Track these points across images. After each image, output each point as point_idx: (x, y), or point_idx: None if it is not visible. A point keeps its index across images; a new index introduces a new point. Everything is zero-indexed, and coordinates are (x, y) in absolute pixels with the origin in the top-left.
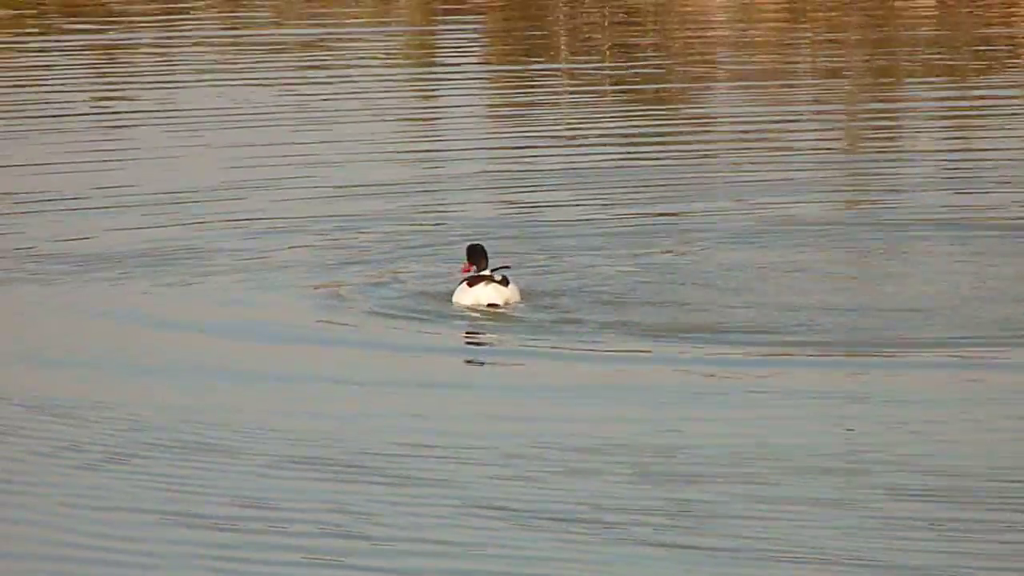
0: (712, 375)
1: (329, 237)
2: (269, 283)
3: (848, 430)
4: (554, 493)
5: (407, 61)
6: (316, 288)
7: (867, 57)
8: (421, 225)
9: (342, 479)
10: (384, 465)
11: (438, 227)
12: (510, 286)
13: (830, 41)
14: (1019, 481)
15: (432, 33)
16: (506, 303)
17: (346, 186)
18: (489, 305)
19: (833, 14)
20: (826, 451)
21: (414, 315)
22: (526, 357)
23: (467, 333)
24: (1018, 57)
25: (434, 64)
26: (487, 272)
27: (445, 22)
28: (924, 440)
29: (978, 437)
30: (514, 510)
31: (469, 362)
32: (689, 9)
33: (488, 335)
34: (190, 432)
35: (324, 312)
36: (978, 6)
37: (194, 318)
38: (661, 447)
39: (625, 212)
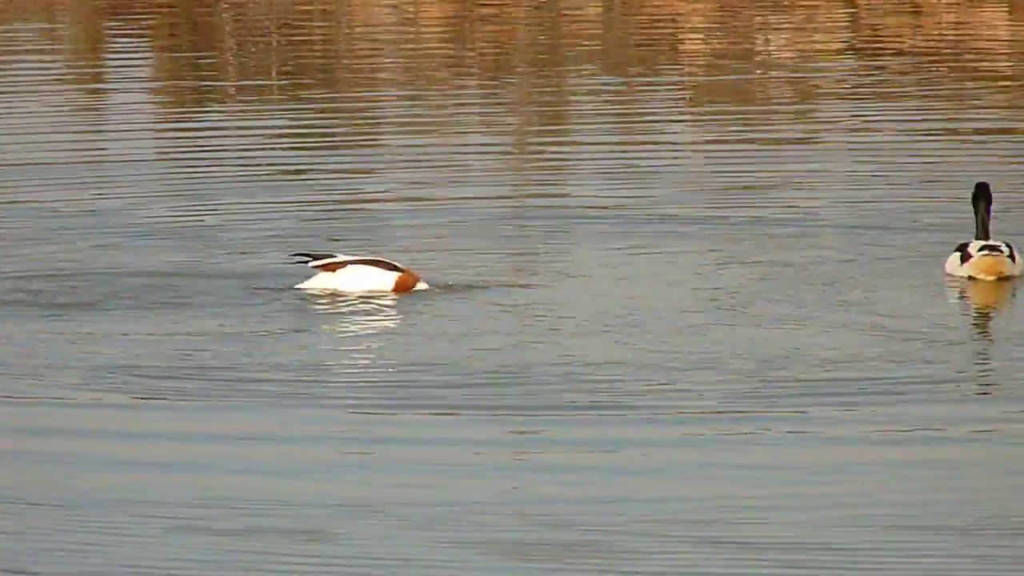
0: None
1: None
2: None
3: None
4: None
5: (72, 84)
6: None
7: (534, 61)
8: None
9: None
10: None
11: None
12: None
13: (497, 51)
14: None
15: (98, 54)
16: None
17: None
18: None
19: (500, 21)
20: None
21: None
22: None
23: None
24: (681, 61)
25: (101, 85)
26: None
27: (111, 44)
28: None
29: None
30: None
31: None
32: (357, 22)
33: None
34: None
35: None
36: (644, 9)
37: None
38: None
39: (298, 231)
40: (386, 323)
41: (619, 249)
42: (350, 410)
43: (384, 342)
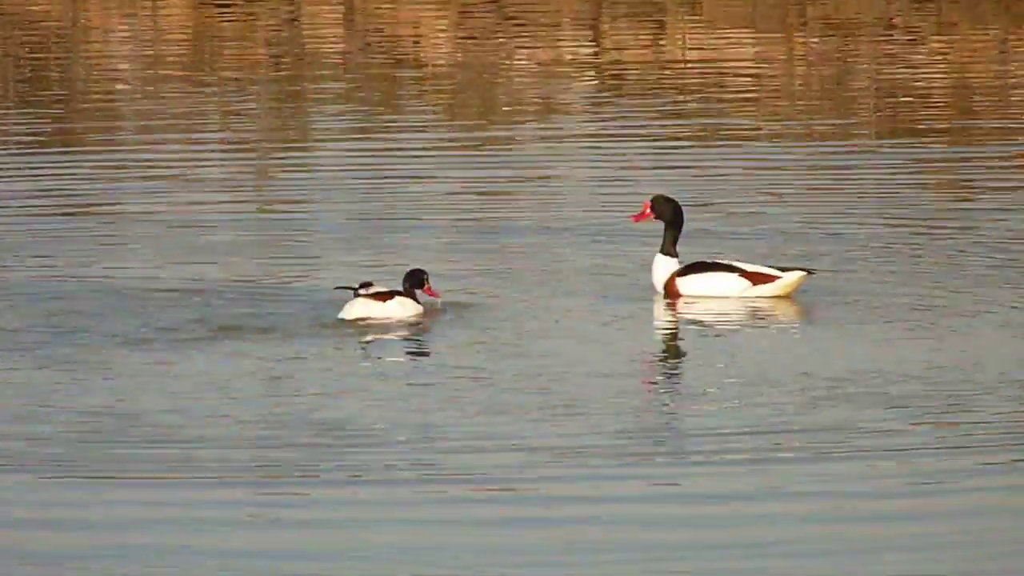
0: None
1: None
2: None
3: None
4: None
5: None
6: None
7: (276, 88)
8: None
9: None
10: None
11: None
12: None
13: (236, 77)
14: None
15: None
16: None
17: None
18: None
19: (242, 45)
20: None
21: None
22: None
23: None
24: (423, 74)
25: None
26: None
27: None
28: None
29: None
30: None
31: None
32: (94, 49)
33: None
34: None
35: None
36: (385, 22)
37: None
38: None
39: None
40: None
41: (359, 261)
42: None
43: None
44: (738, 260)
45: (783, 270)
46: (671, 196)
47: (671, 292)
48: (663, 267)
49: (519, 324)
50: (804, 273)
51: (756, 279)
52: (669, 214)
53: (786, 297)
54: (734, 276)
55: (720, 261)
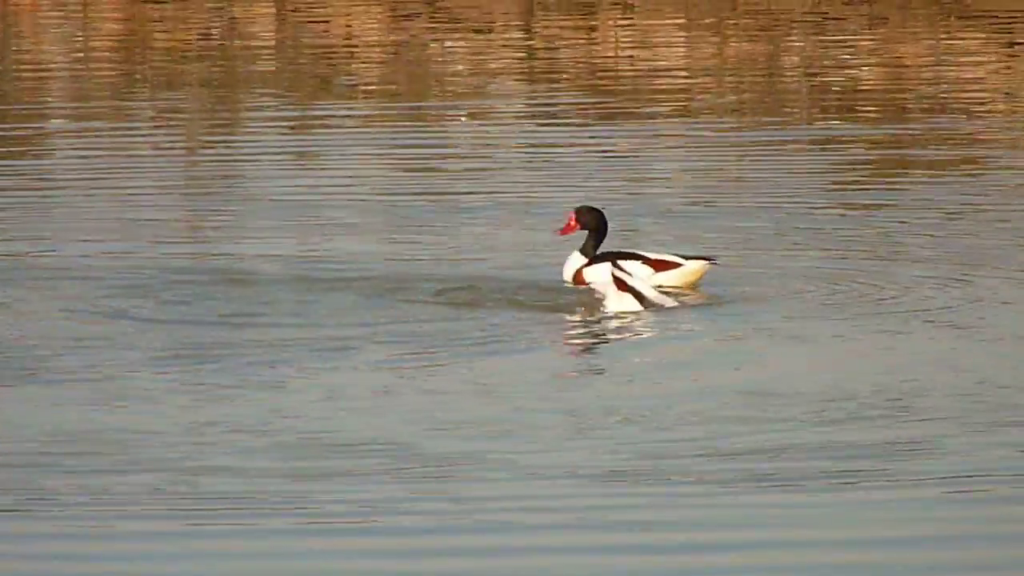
0: None
1: None
2: None
3: None
4: None
5: None
6: None
7: (208, 91)
8: None
9: None
10: None
11: None
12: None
13: (170, 68)
14: None
15: None
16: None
17: None
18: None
19: (173, 43)
20: None
21: None
22: None
23: None
24: (355, 78)
25: None
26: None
27: None
28: None
29: None
30: None
31: None
32: (26, 55)
33: None
34: None
35: None
36: (318, 27)
37: None
38: None
39: None
40: None
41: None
42: None
43: None
44: (647, 248)
45: (687, 258)
46: (594, 206)
47: (578, 282)
48: (575, 262)
49: (444, 322)
50: (706, 262)
51: (658, 267)
52: (595, 223)
53: (690, 285)
54: (636, 264)
55: (624, 250)
